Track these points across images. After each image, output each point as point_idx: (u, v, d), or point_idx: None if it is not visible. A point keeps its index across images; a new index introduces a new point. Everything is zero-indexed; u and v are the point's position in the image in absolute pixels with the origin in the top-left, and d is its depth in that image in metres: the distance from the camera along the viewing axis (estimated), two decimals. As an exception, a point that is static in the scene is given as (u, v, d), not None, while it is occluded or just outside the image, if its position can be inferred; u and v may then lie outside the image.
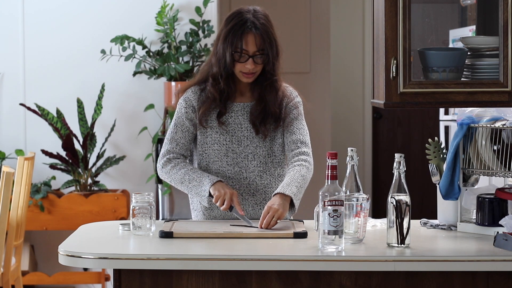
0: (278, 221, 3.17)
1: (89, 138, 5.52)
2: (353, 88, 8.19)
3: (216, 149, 3.37)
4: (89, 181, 5.58)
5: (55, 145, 5.64)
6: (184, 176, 3.34)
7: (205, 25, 5.63)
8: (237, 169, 3.38)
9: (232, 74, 3.35)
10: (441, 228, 3.22)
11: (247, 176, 3.38)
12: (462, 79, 3.10)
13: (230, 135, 3.37)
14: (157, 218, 5.20)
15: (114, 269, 2.82)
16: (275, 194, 3.24)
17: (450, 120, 5.80)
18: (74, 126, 5.61)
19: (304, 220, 3.32)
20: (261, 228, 3.13)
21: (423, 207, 7.04)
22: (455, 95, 3.01)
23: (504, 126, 3.08)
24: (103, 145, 5.61)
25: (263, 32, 3.29)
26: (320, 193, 2.82)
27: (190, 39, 5.60)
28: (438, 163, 3.26)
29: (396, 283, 2.79)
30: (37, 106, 5.57)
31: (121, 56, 5.62)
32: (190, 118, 3.39)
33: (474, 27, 3.43)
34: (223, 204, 3.22)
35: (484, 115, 3.16)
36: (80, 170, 5.52)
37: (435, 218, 3.30)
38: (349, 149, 3.00)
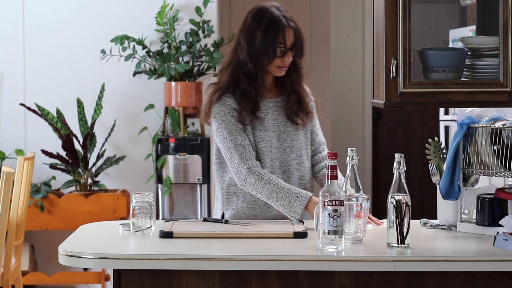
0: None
1: (89, 138, 5.52)
2: (353, 88, 8.19)
3: (263, 146, 3.41)
4: (89, 181, 5.58)
5: (55, 145, 5.64)
6: (271, 193, 3.31)
7: (205, 25, 5.63)
8: (277, 164, 3.44)
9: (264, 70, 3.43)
10: (441, 228, 3.21)
11: (285, 170, 3.45)
12: (462, 79, 3.10)
13: (271, 131, 3.43)
14: (157, 218, 5.20)
15: (114, 269, 2.82)
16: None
17: (450, 120, 5.80)
18: (74, 126, 5.61)
19: (304, 220, 3.32)
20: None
21: (423, 207, 7.02)
22: (455, 95, 3.01)
23: (504, 126, 3.08)
24: (103, 145, 5.61)
25: (296, 26, 3.43)
26: (320, 193, 2.82)
27: (190, 39, 5.60)
28: (438, 163, 3.26)
29: (396, 283, 2.79)
30: (37, 106, 5.57)
31: (121, 56, 5.62)
32: (239, 120, 3.41)
33: (474, 27, 3.42)
34: None
35: (484, 115, 3.16)
36: (80, 170, 5.52)
37: (435, 218, 3.29)
38: (349, 149, 3.00)
